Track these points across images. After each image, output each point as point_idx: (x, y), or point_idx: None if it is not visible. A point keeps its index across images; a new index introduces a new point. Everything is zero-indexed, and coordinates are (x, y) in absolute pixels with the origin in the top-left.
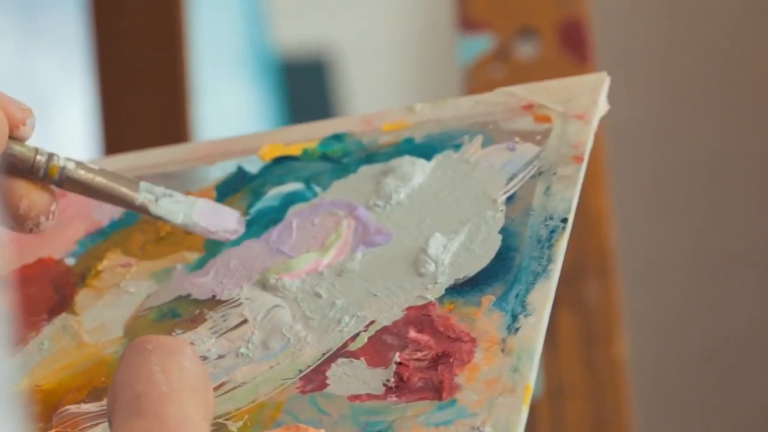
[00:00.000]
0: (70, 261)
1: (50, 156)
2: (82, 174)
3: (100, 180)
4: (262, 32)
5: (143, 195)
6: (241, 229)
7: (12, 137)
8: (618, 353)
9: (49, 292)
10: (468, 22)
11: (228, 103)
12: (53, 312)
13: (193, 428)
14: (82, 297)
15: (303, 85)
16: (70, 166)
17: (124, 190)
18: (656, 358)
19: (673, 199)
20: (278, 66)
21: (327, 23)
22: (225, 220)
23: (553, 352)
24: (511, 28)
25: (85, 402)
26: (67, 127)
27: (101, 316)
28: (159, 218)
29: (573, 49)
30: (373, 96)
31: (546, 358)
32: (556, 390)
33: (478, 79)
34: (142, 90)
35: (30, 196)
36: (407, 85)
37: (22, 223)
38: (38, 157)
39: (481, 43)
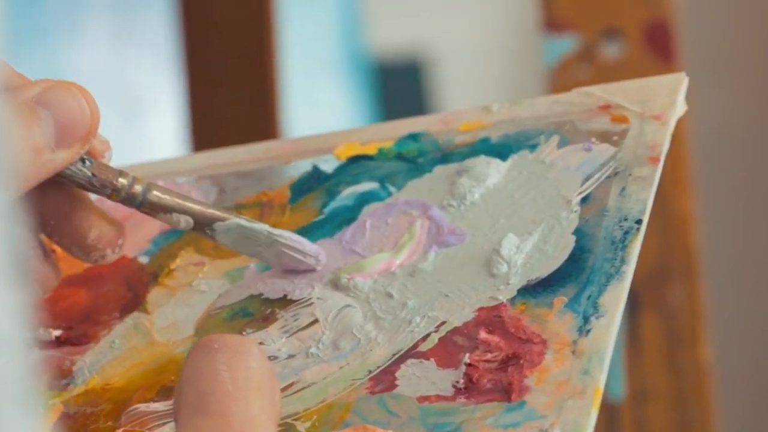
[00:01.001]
0: (143, 259)
1: (134, 179)
2: (163, 197)
3: (181, 202)
4: (357, 35)
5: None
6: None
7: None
8: (703, 357)
9: (122, 291)
10: (553, 23)
11: (322, 105)
12: (125, 310)
13: (258, 428)
14: (154, 295)
15: (397, 88)
16: (153, 190)
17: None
18: (741, 361)
19: (759, 201)
20: (373, 68)
21: (421, 26)
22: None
23: (637, 356)
24: (596, 29)
25: (155, 401)
26: (157, 126)
27: (173, 315)
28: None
29: (658, 50)
30: (468, 98)
31: (630, 362)
32: (640, 394)
33: (562, 79)
34: (231, 91)
35: (100, 227)
36: (501, 86)
37: (88, 253)
38: (120, 180)
39: (566, 44)
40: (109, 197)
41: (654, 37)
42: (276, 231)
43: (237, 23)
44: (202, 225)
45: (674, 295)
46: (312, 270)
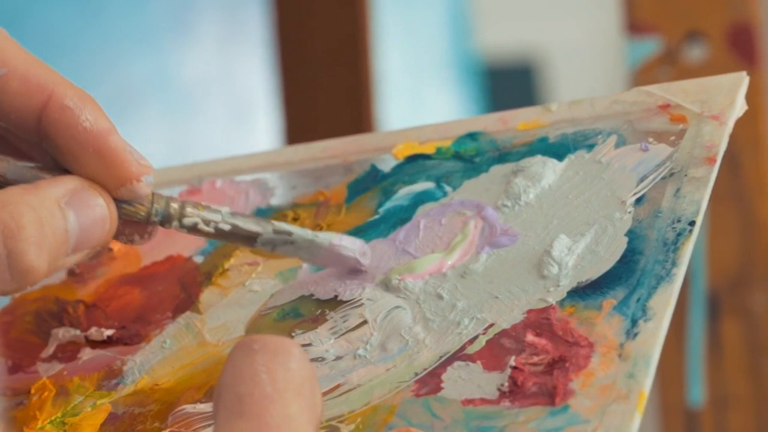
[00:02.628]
0: (198, 259)
1: (167, 205)
2: (200, 227)
3: (218, 232)
4: (467, 37)
5: (260, 247)
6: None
7: (120, 199)
8: None
9: (176, 290)
10: (635, 25)
11: (430, 108)
12: (178, 310)
13: (295, 431)
14: (207, 295)
15: (508, 90)
16: (189, 220)
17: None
18: None
19: None
20: (483, 71)
21: (533, 27)
22: (348, 260)
23: (718, 362)
24: (680, 32)
25: (201, 402)
26: (259, 127)
27: (224, 315)
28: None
29: (742, 53)
30: None
31: (710, 368)
32: (720, 400)
33: (645, 82)
34: (327, 92)
35: None
36: (613, 87)
37: (117, 235)
38: (153, 213)
39: (649, 46)
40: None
41: (737, 39)
42: (317, 237)
43: (332, 25)
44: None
45: (755, 301)
46: (359, 268)
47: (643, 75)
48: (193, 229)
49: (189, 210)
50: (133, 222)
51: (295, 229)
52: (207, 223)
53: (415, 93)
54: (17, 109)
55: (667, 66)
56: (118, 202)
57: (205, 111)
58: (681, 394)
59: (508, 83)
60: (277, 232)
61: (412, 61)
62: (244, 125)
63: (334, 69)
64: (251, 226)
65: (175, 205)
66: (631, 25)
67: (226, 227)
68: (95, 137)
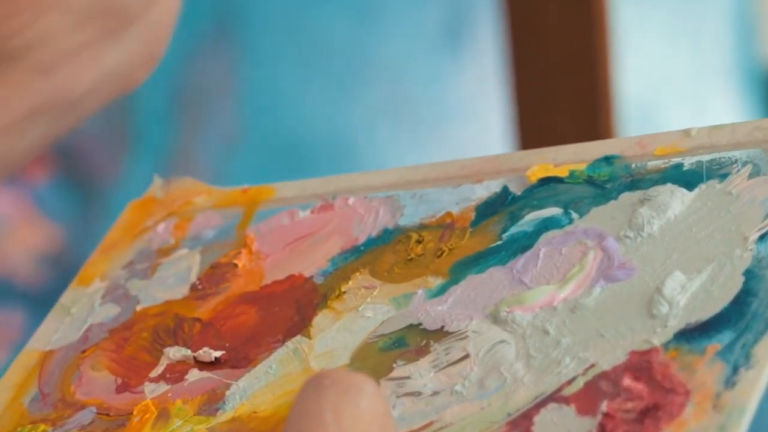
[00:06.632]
0: (318, 280)
1: None
2: None
3: None
4: (753, 43)
5: None
6: None
7: None
8: None
9: (291, 312)
10: None
11: (714, 118)
12: (289, 333)
13: None
14: (320, 319)
15: None
16: None
17: None
18: None
19: None
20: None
21: None
22: None
23: None
24: None
25: None
26: (484, 138)
27: (333, 341)
28: None
29: None
30: None
31: None
32: None
33: None
34: (559, 105)
35: None
36: None
37: None
38: None
39: None
40: None
41: None
42: None
43: (565, 33)
44: None
45: None
46: None
47: None
48: None
49: None
50: None
51: None
52: None
53: (698, 101)
54: None
55: None
56: None
57: (480, 117)
58: None
59: None
60: None
61: (694, 67)
62: (468, 137)
63: (569, 78)
64: None
65: None
66: None
67: None
68: None
